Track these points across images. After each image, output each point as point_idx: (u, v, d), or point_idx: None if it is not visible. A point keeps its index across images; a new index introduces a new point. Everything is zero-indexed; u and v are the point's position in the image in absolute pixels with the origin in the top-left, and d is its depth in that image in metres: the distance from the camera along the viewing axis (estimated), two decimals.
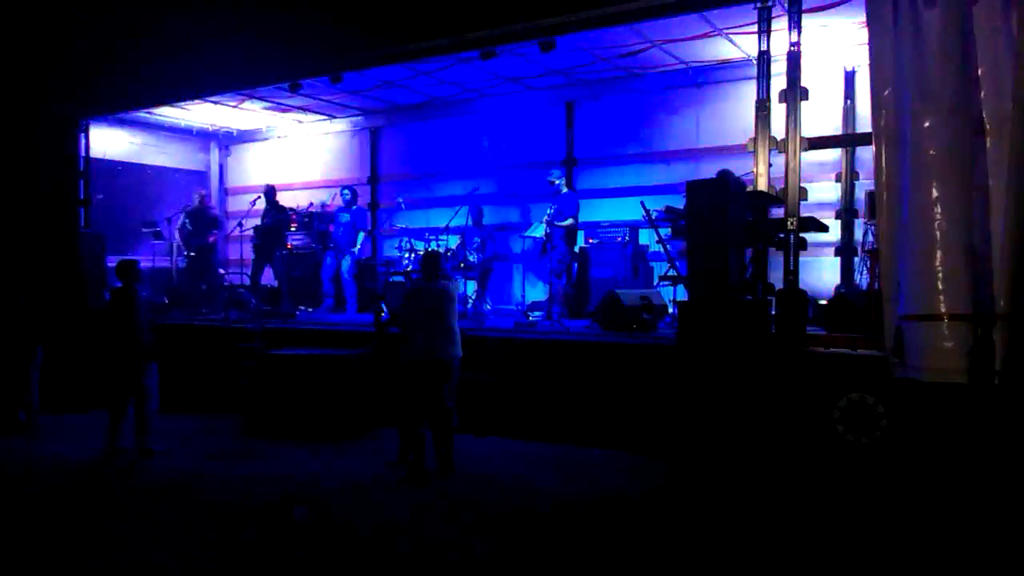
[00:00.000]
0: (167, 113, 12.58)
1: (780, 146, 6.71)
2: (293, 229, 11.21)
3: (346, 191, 11.07)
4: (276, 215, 10.93)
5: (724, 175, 6.76)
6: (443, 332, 6.35)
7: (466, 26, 8.09)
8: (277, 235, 10.98)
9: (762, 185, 6.78)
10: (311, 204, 11.20)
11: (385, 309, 7.06)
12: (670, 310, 8.42)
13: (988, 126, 5.35)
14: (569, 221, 9.35)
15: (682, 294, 7.56)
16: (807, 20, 6.83)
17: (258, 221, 11.25)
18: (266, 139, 14.01)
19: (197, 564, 4.73)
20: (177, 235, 11.82)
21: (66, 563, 4.81)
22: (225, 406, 8.85)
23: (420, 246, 10.34)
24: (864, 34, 6.04)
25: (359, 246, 11.07)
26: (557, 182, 9.86)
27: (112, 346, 7.25)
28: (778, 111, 6.72)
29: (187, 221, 11.64)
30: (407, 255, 10.30)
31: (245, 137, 14.16)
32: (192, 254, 11.62)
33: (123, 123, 12.67)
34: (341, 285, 10.84)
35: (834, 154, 8.98)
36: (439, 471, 6.38)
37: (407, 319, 6.52)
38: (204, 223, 11.60)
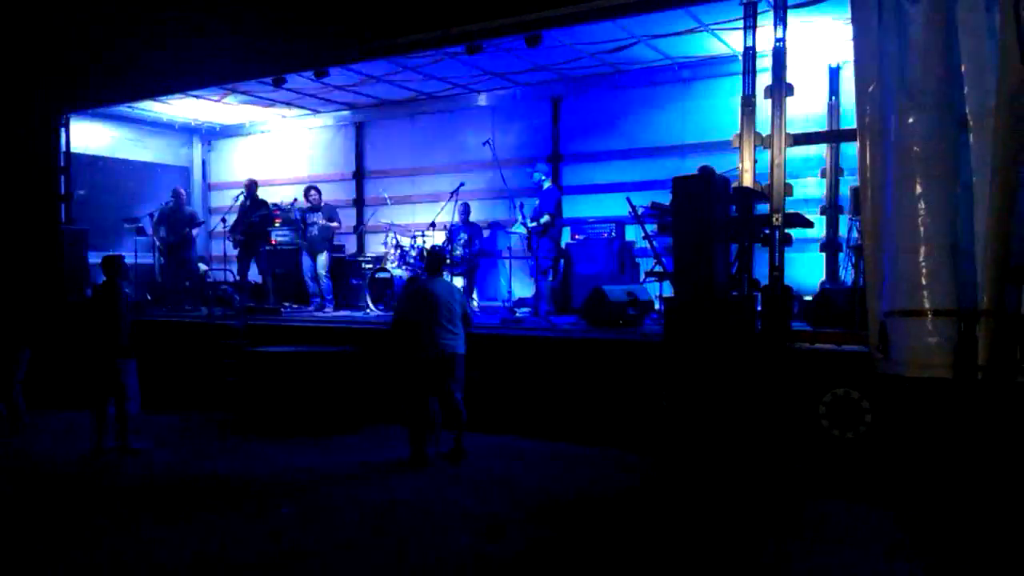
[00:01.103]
0: (149, 107, 12.46)
1: (765, 142, 6.72)
2: (277, 225, 11.11)
3: (312, 191, 10.93)
4: (258, 211, 10.83)
5: (705, 171, 6.78)
6: (447, 327, 6.45)
7: (451, 20, 8.06)
8: (261, 231, 10.88)
9: (747, 181, 6.79)
10: (295, 200, 11.13)
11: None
12: (656, 306, 8.43)
13: (971, 122, 5.37)
14: (545, 218, 9.33)
15: (668, 290, 7.56)
16: (792, 16, 6.85)
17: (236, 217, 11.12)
18: (249, 134, 13.91)
19: (185, 554, 4.71)
20: (154, 233, 11.70)
21: (50, 558, 4.77)
22: (209, 404, 8.78)
23: (406, 242, 10.29)
24: (849, 30, 6.05)
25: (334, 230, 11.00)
26: (537, 177, 9.82)
27: (93, 343, 7.17)
28: (763, 107, 6.74)
29: (164, 219, 11.51)
30: (393, 251, 10.25)
31: (228, 132, 14.05)
32: (168, 252, 11.48)
33: (104, 117, 12.56)
34: (320, 283, 10.75)
35: (819, 150, 9.02)
36: (451, 459, 6.57)
37: (410, 315, 6.58)
38: (180, 220, 11.48)
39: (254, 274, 11.23)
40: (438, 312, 6.43)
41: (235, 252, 11.00)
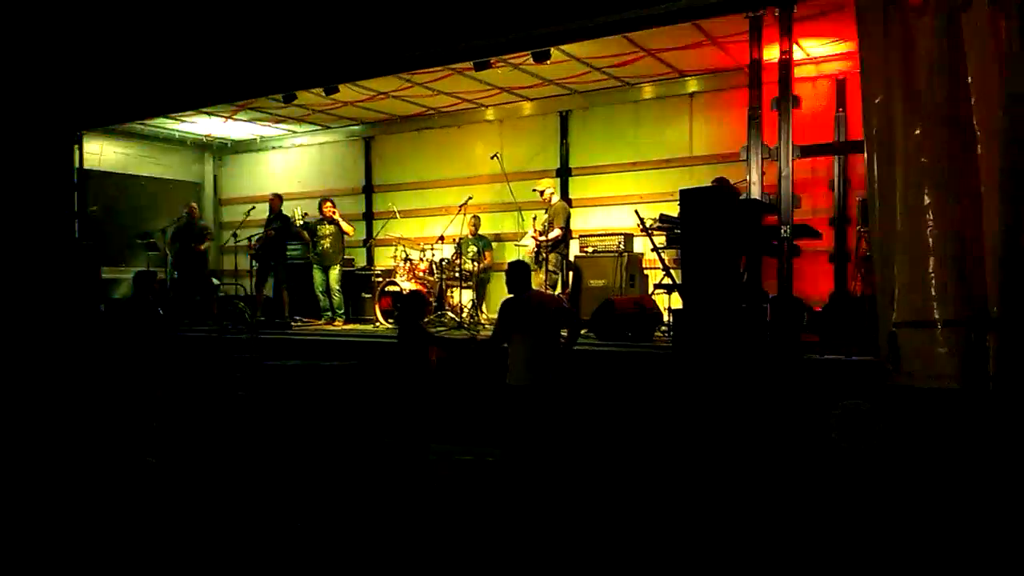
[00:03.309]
0: (161, 124, 12.60)
1: (773, 154, 6.74)
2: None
3: (327, 203, 10.97)
4: (278, 225, 10.89)
5: (721, 183, 6.81)
6: (542, 352, 5.84)
7: (459, 36, 8.13)
8: (280, 245, 10.93)
9: (755, 193, 6.82)
10: (305, 214, 11.22)
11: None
12: (665, 318, 8.43)
13: (979, 134, 5.37)
14: (556, 232, 9.38)
15: (677, 302, 7.57)
16: (798, 29, 6.88)
17: (257, 231, 11.18)
18: (260, 149, 14.03)
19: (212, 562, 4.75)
20: (168, 249, 11.80)
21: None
22: (221, 417, 8.80)
23: (416, 255, 10.36)
24: (855, 42, 6.08)
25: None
26: (544, 192, 9.87)
27: (126, 356, 7.23)
28: (770, 119, 6.77)
29: (177, 234, 11.61)
30: (402, 264, 10.31)
31: (239, 147, 14.18)
32: (181, 267, 11.57)
33: (117, 134, 12.69)
34: (330, 297, 10.80)
35: (827, 161, 9.03)
36: None
37: (507, 338, 5.94)
38: (193, 235, 11.58)
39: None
40: (535, 335, 5.82)
41: (254, 266, 11.04)
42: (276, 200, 11.16)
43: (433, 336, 6.68)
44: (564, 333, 6.18)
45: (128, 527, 5.65)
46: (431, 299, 10.09)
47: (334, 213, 10.76)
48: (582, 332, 8.40)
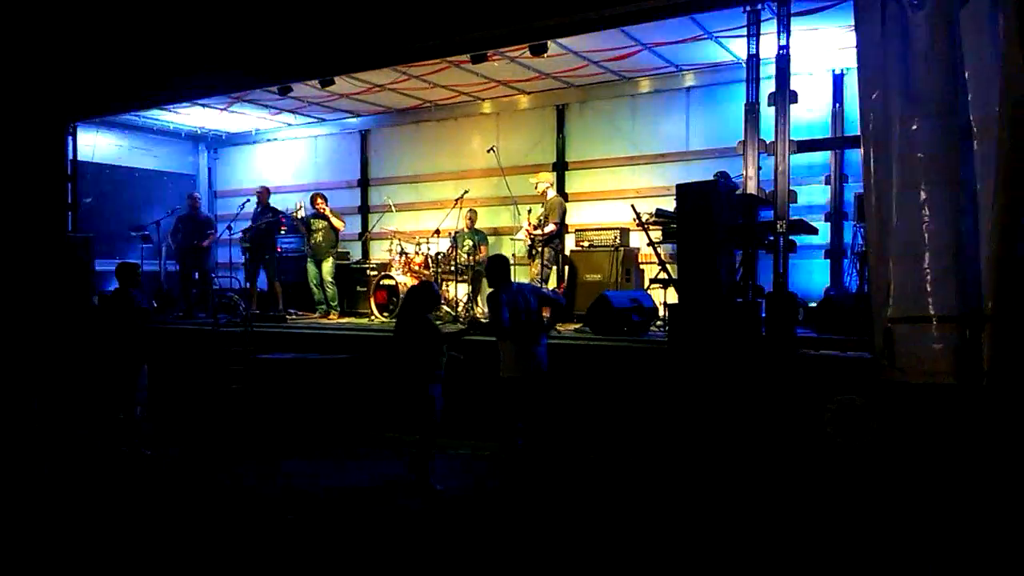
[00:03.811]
0: (156, 116, 12.54)
1: (769, 149, 6.74)
2: (283, 232, 11.16)
3: (318, 199, 10.91)
4: (269, 218, 10.85)
5: (720, 177, 6.80)
6: (530, 344, 5.92)
7: (456, 28, 8.10)
8: (269, 238, 10.91)
9: (751, 188, 6.82)
10: (300, 206, 11.18)
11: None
12: (661, 313, 8.43)
13: (975, 129, 5.37)
14: (551, 227, 9.37)
15: (673, 297, 7.57)
16: (796, 24, 6.87)
17: (248, 223, 11.16)
18: (256, 142, 13.97)
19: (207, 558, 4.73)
20: (170, 239, 11.75)
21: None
22: (215, 411, 8.80)
23: (411, 249, 10.34)
24: (852, 37, 6.07)
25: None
26: (541, 186, 9.86)
27: (105, 348, 7.23)
28: (767, 114, 6.76)
29: (179, 225, 11.56)
30: (398, 258, 10.28)
31: (234, 140, 14.12)
32: (182, 258, 11.52)
33: (111, 126, 12.64)
34: (324, 290, 10.77)
35: (823, 156, 9.03)
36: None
37: (496, 330, 5.97)
38: (197, 226, 11.53)
39: (263, 281, 11.25)
40: (521, 326, 5.89)
41: (244, 259, 11.03)
42: (264, 193, 11.13)
43: (441, 331, 6.41)
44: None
45: (123, 519, 5.64)
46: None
47: (324, 209, 10.72)
48: (578, 326, 8.44)
